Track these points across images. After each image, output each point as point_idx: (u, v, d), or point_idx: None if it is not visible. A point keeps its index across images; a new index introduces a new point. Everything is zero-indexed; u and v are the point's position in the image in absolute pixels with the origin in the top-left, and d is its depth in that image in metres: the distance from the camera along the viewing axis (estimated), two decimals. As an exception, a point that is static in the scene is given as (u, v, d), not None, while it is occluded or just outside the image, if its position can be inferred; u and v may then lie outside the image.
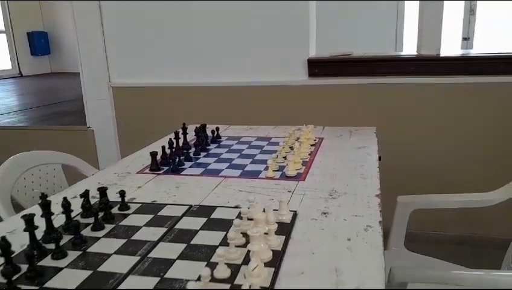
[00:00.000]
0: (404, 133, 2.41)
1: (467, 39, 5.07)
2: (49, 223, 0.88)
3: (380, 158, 1.44)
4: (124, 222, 0.96)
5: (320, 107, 2.50)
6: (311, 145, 1.52)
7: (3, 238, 0.73)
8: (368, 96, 2.46)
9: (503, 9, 5.05)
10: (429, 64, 2.42)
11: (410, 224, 1.55)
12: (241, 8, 2.56)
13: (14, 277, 0.73)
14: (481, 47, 5.11)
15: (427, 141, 2.42)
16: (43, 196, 0.87)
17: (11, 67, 8.97)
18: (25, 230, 0.82)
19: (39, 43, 9.44)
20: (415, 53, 2.59)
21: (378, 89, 2.45)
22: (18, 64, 9.05)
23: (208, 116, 2.14)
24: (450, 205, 1.63)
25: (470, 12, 5.01)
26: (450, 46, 5.12)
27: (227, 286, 0.70)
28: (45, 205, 0.87)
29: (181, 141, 1.52)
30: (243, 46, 2.62)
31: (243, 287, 0.65)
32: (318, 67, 2.57)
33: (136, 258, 0.80)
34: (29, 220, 0.81)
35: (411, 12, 4.27)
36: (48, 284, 0.72)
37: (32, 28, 9.38)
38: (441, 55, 2.44)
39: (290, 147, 1.44)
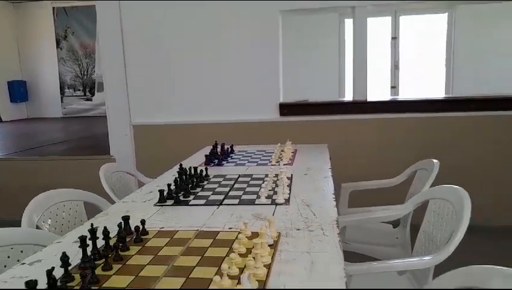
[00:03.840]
0: (344, 148, 3.58)
1: (394, 87, 6.51)
2: (182, 180, 1.90)
3: (330, 158, 2.56)
4: (212, 180, 2.00)
5: (289, 135, 3.61)
6: (292, 152, 2.62)
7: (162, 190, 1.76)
8: (320, 128, 3.64)
9: (421, 64, 6.58)
10: (360, 106, 3.65)
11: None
12: (233, 70, 3.73)
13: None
14: (404, 92, 6.55)
15: (358, 152, 3.62)
16: (181, 165, 1.91)
17: (-9, 114, 9.62)
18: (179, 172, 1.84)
19: (18, 91, 10.17)
20: (351, 98, 3.81)
21: (327, 123, 3.64)
22: (-1, 110, 9.73)
23: (208, 144, 3.09)
24: (370, 186, 2.75)
25: (395, 67, 6.48)
26: (382, 93, 6.54)
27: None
28: (181, 168, 1.90)
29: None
30: (235, 95, 3.76)
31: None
32: (286, 109, 3.73)
33: (228, 188, 1.85)
34: (176, 179, 1.84)
35: (351, 69, 5.63)
36: (199, 194, 1.76)
37: (12, 77, 10.13)
38: (367, 100, 3.67)
39: (280, 155, 2.53)
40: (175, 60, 3.83)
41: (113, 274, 1.07)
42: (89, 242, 1.13)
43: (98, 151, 4.64)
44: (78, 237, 1.10)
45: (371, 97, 3.76)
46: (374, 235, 2.46)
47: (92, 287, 0.99)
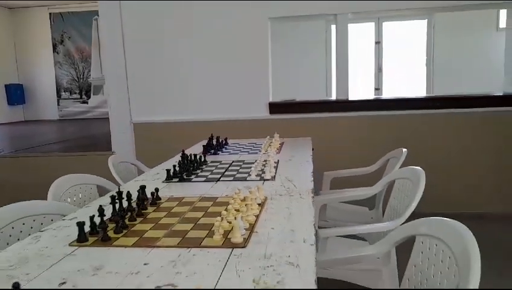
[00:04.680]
0: (329, 143, 3.92)
1: (378, 89, 6.89)
2: (184, 163, 2.22)
3: (313, 149, 2.90)
4: (209, 164, 2.33)
5: (278, 132, 3.96)
6: (279, 144, 2.96)
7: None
8: (306, 124, 3.99)
9: (404, 67, 6.97)
10: (342, 104, 4.00)
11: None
12: (226, 72, 4.06)
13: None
14: (388, 94, 6.93)
15: (341, 146, 3.96)
16: (183, 151, 2.23)
17: (-11, 116, 9.86)
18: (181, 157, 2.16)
19: (15, 94, 10.42)
20: (335, 98, 4.16)
21: (313, 120, 3.98)
22: (-4, 113, 9.97)
23: (203, 140, 3.47)
24: (349, 174, 3.09)
25: (379, 70, 6.86)
26: (366, 94, 6.91)
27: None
28: (183, 154, 2.23)
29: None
30: (228, 95, 4.09)
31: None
32: (275, 107, 4.07)
33: (224, 170, 2.17)
34: (180, 161, 2.17)
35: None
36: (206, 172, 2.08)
37: (10, 80, 10.37)
38: (349, 99, 4.02)
39: (269, 145, 2.86)
40: (173, 62, 4.16)
41: (138, 223, 1.39)
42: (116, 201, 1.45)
43: (96, 149, 4.93)
44: (110, 196, 1.42)
45: (356, 98, 4.12)
46: (352, 215, 2.80)
47: (123, 230, 1.31)
